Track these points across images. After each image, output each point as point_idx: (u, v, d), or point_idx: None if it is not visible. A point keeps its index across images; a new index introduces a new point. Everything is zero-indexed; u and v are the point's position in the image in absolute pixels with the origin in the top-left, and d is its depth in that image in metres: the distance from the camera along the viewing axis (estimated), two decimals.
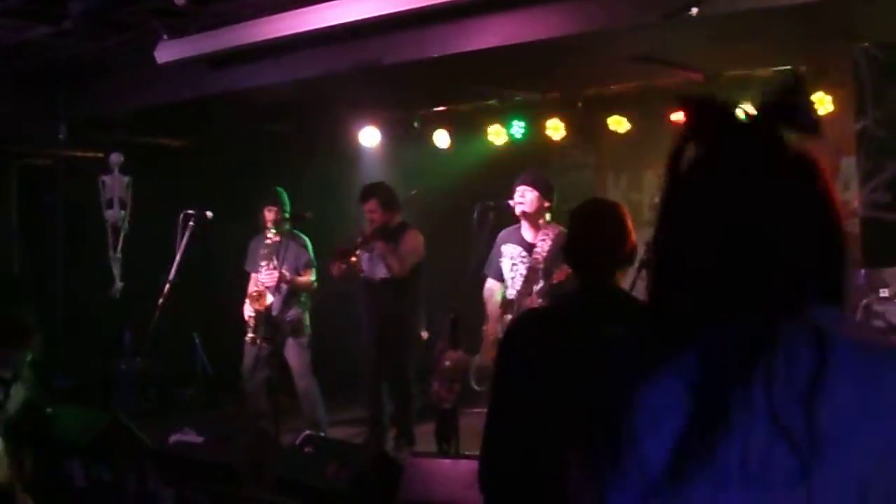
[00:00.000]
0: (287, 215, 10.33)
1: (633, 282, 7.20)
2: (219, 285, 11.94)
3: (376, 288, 9.98)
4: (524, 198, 8.35)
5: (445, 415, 8.48)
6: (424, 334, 10.12)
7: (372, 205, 9.81)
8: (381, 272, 9.88)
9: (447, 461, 6.22)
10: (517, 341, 4.03)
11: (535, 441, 3.68)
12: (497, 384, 4.01)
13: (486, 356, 8.39)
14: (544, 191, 8.46)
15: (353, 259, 9.81)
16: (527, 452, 3.72)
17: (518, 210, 8.39)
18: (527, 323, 4.27)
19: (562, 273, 7.94)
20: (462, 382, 8.45)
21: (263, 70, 10.28)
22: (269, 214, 10.31)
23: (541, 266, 8.19)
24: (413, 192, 10.03)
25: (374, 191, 9.95)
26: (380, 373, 10.06)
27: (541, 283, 8.18)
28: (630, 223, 4.03)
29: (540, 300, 8.08)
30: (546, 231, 8.31)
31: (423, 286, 10.13)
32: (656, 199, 8.06)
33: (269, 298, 10.18)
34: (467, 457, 6.29)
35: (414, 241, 9.94)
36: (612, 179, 13.06)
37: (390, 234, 9.82)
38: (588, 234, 4.00)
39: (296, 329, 10.39)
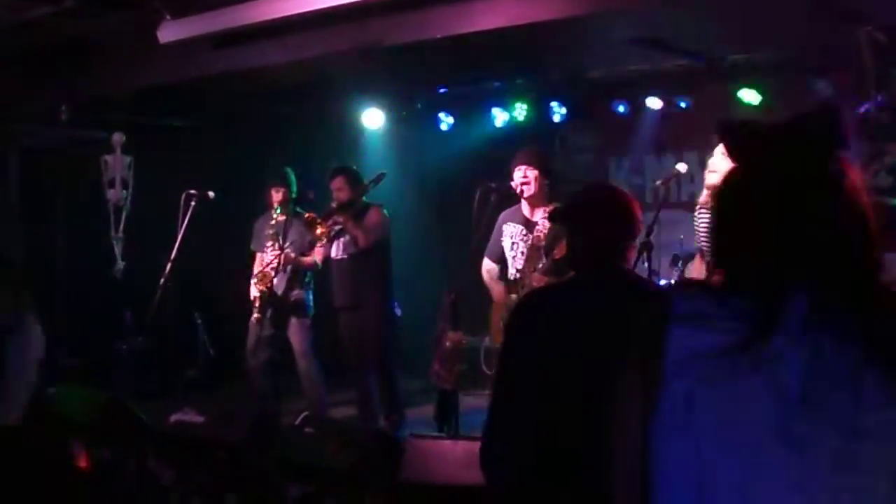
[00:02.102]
0: (294, 196, 10.38)
1: (634, 263, 7.20)
2: (220, 266, 11.94)
3: (343, 266, 10.17)
4: (527, 177, 8.36)
5: (445, 396, 8.47)
6: (398, 311, 10.21)
7: (339, 182, 10.06)
8: (349, 248, 10.08)
9: (447, 442, 6.22)
10: (525, 321, 4.03)
11: (543, 419, 3.69)
12: (503, 363, 4.01)
13: (495, 338, 8.44)
14: (544, 169, 8.47)
15: (322, 230, 9.93)
16: (532, 431, 3.72)
17: (521, 191, 8.39)
18: (533, 303, 4.27)
19: (562, 249, 7.96)
20: (462, 363, 8.45)
21: (266, 50, 10.26)
22: (276, 195, 10.34)
23: (542, 244, 8.20)
24: (383, 173, 10.08)
25: (342, 170, 10.24)
26: (360, 354, 10.14)
27: (543, 261, 8.19)
28: (636, 207, 4.03)
29: (545, 278, 8.08)
30: (547, 208, 8.31)
31: (392, 265, 10.31)
32: (658, 182, 8.05)
33: (274, 279, 10.20)
34: (467, 438, 6.28)
35: (378, 216, 10.12)
36: (614, 163, 13.07)
37: (356, 212, 9.99)
38: (591, 220, 4.00)
39: (299, 309, 10.41)
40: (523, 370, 3.87)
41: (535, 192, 8.38)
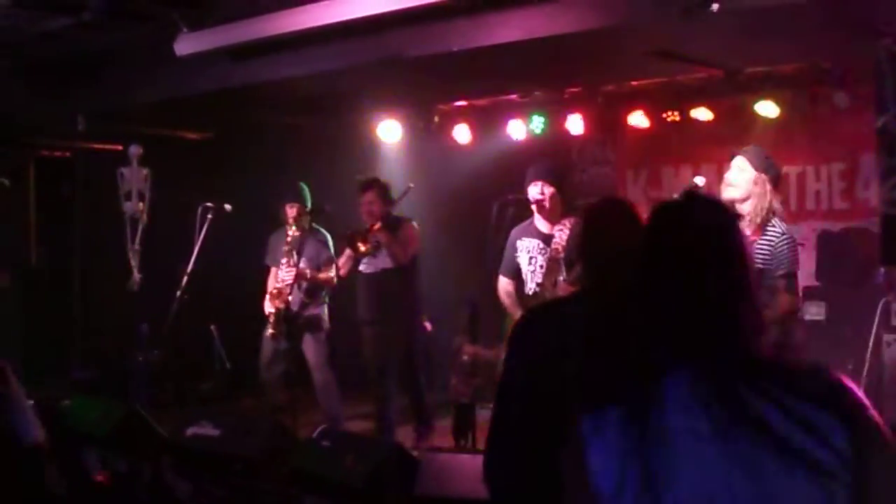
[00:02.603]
0: (309, 210, 10.35)
1: None
2: (236, 278, 11.93)
3: (377, 280, 10.09)
4: (543, 194, 8.35)
5: (463, 409, 8.47)
6: (428, 325, 10.16)
7: (371, 195, 10.00)
8: (381, 263, 10.02)
9: (464, 456, 6.22)
10: (523, 338, 4.02)
11: (536, 436, 3.68)
12: (504, 376, 4.02)
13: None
14: (560, 183, 8.47)
15: (365, 247, 9.86)
16: (528, 447, 3.71)
17: (539, 205, 8.37)
18: (532, 320, 4.26)
19: (567, 240, 7.99)
20: (480, 377, 8.44)
21: (284, 63, 10.25)
22: (291, 211, 10.32)
23: (561, 256, 8.17)
24: (410, 186, 10.04)
25: (374, 183, 10.14)
26: (384, 367, 10.09)
27: (563, 274, 8.17)
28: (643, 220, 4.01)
29: (571, 287, 8.07)
30: (563, 222, 8.30)
31: (423, 279, 10.26)
32: (675, 196, 7.97)
33: (290, 296, 10.18)
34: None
35: (413, 231, 10.13)
36: (632, 176, 13.04)
37: (391, 225, 9.94)
38: (600, 235, 3.98)
39: (314, 325, 10.40)
40: (519, 387, 3.87)
41: (551, 207, 8.37)
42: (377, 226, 9.84)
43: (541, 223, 8.48)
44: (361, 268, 10.15)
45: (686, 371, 2.30)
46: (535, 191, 8.38)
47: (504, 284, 8.70)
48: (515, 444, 3.82)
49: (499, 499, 3.94)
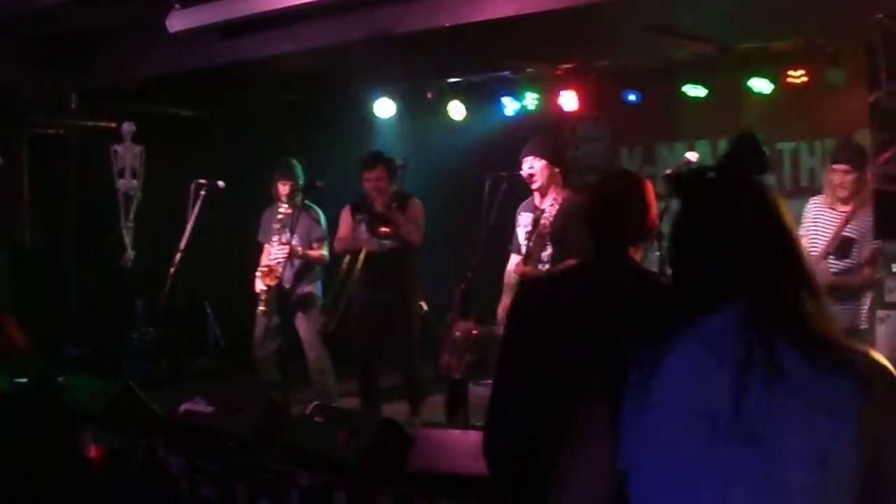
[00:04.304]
0: (300, 187, 10.31)
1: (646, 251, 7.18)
2: (230, 255, 11.93)
3: (380, 260, 9.83)
4: (533, 168, 8.37)
5: (455, 385, 8.48)
6: (424, 306, 10.06)
7: (380, 172, 9.68)
8: (386, 243, 9.79)
9: (456, 432, 6.22)
10: (523, 308, 4.03)
11: (540, 409, 3.68)
12: (502, 350, 4.01)
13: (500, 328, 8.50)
14: (552, 157, 8.48)
15: (386, 229, 9.66)
16: (531, 420, 3.72)
17: (529, 182, 8.39)
18: (534, 291, 4.26)
19: (559, 228, 8.03)
20: (472, 353, 8.45)
21: (276, 39, 10.24)
22: (283, 188, 10.30)
23: (547, 231, 8.20)
24: (405, 159, 9.93)
25: (382, 158, 9.83)
26: (377, 348, 9.96)
27: (549, 249, 8.19)
28: (652, 197, 4.00)
29: (547, 266, 8.11)
30: (555, 196, 8.33)
31: (422, 258, 10.07)
32: (668, 171, 8.04)
33: (282, 273, 10.16)
34: (476, 428, 6.27)
35: (420, 209, 9.90)
36: (626, 152, 13.04)
37: (400, 204, 9.77)
38: (609, 206, 3.97)
39: (307, 302, 10.40)
40: (521, 358, 3.87)
41: (542, 182, 8.39)
42: (392, 206, 9.65)
43: (537, 198, 8.51)
44: (362, 240, 9.87)
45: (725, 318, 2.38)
46: (525, 166, 8.40)
47: (511, 263, 8.73)
48: (515, 418, 3.82)
49: (498, 473, 3.95)
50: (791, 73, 10.74)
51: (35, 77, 12.03)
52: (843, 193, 7.89)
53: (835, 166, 8.05)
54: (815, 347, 2.30)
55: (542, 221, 8.26)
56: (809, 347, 2.29)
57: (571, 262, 7.92)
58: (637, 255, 3.99)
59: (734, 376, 2.27)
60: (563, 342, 3.67)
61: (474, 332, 8.53)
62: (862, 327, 7.89)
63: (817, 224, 8.12)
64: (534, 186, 8.42)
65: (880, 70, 7.79)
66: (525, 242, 8.49)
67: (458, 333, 8.45)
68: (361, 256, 9.79)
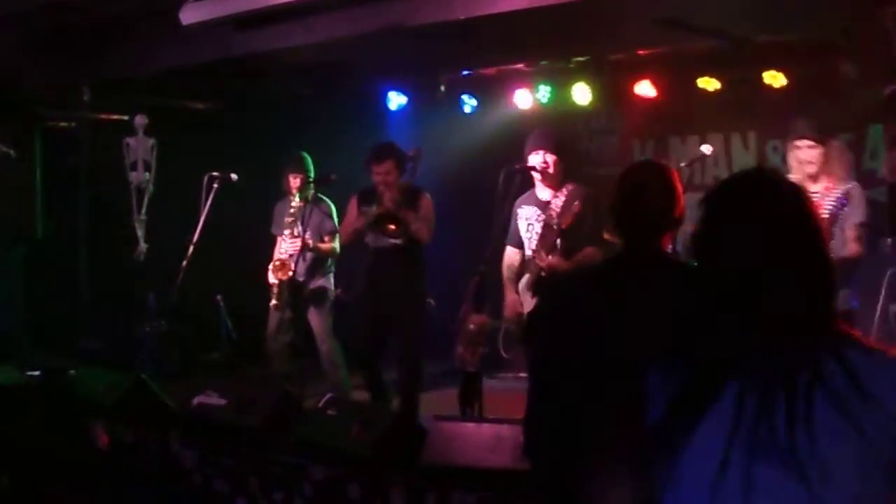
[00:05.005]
0: (311, 180, 10.28)
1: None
2: (243, 248, 11.92)
3: (386, 256, 9.57)
4: (546, 162, 8.37)
5: (469, 378, 8.45)
6: (432, 303, 9.87)
7: (389, 166, 9.40)
8: (392, 239, 9.52)
9: (470, 425, 6.20)
10: (561, 305, 4.01)
11: (582, 404, 3.67)
12: (539, 348, 4.00)
13: (507, 321, 8.48)
14: (561, 152, 8.50)
15: (395, 229, 9.42)
16: (574, 416, 3.70)
17: (543, 173, 8.39)
18: (568, 291, 4.23)
19: (569, 217, 8.01)
20: (486, 346, 8.43)
21: (289, 32, 10.22)
22: (294, 182, 10.27)
23: (555, 222, 8.20)
24: (417, 148, 9.67)
25: (392, 151, 9.55)
26: (382, 343, 9.74)
27: (558, 241, 8.18)
28: (680, 187, 3.98)
29: (552, 259, 8.11)
30: (563, 189, 8.33)
31: (431, 250, 9.84)
32: (682, 165, 8.04)
33: (295, 266, 10.15)
34: (490, 421, 6.26)
35: (430, 205, 9.62)
36: (638, 145, 13.02)
37: (409, 199, 9.52)
38: (636, 197, 3.95)
39: (319, 296, 10.38)
40: (561, 355, 3.85)
41: (556, 176, 8.39)
42: (401, 203, 9.38)
43: (542, 191, 8.52)
44: (368, 240, 9.69)
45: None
46: (537, 159, 8.38)
47: (508, 254, 8.74)
48: (561, 412, 3.80)
49: (542, 469, 3.93)
50: (767, 73, 10.77)
51: (47, 70, 12.02)
52: (811, 169, 7.51)
53: (798, 143, 7.64)
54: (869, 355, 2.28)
55: (550, 213, 8.26)
56: (865, 356, 2.27)
57: (590, 250, 8.03)
58: (667, 245, 3.97)
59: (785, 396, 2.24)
60: (603, 342, 3.66)
61: (488, 325, 8.52)
62: (851, 309, 7.57)
63: None
64: (545, 181, 8.41)
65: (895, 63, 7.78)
66: (528, 236, 8.53)
67: (471, 326, 8.41)
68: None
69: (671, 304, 2.73)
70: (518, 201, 8.70)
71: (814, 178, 7.47)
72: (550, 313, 4.06)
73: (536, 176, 8.48)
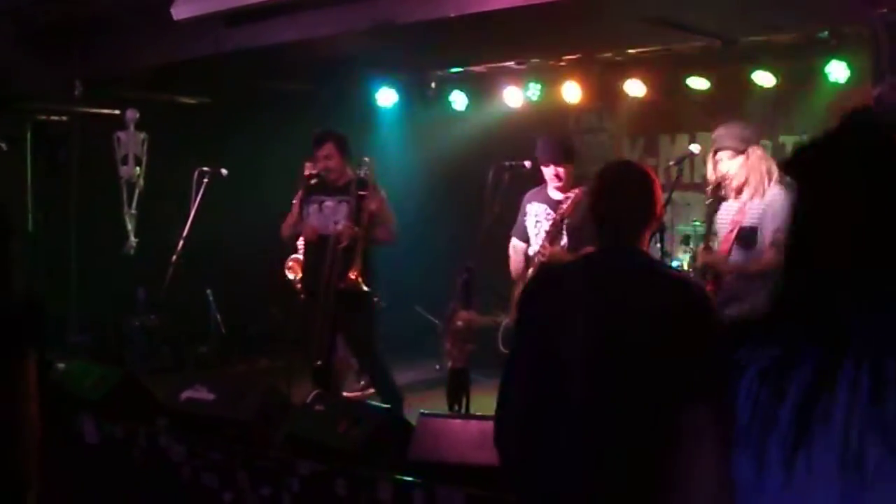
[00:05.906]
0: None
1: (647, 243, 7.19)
2: (233, 243, 11.95)
3: (333, 251, 9.04)
4: (560, 174, 8.38)
5: (457, 375, 8.48)
6: (381, 302, 9.64)
7: (328, 149, 9.07)
8: (339, 226, 9.03)
9: (457, 421, 6.22)
10: (534, 296, 4.05)
11: (549, 395, 3.70)
12: (516, 340, 4.04)
13: (512, 317, 8.52)
14: (572, 160, 8.52)
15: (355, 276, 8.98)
16: (541, 406, 3.74)
17: (555, 185, 8.41)
18: (545, 278, 4.28)
19: (569, 207, 8.04)
20: (473, 343, 8.46)
21: (280, 28, 10.24)
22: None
23: (560, 222, 8.23)
24: (367, 159, 9.22)
25: (330, 135, 9.18)
26: (332, 343, 9.30)
27: (565, 240, 8.21)
28: (657, 186, 4.01)
29: (557, 252, 8.14)
30: (572, 191, 8.36)
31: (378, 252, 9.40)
32: (671, 163, 8.07)
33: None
34: (478, 417, 6.28)
35: (386, 204, 9.22)
36: (628, 144, 13.04)
37: (356, 191, 9.08)
38: (613, 196, 3.98)
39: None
40: (529, 346, 3.89)
41: (565, 181, 8.39)
42: (357, 234, 8.92)
43: (553, 192, 8.50)
44: (314, 225, 9.24)
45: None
46: (550, 172, 8.39)
47: (515, 244, 8.74)
48: (522, 406, 3.83)
49: (510, 463, 3.95)
50: (756, 73, 10.83)
51: (39, 64, 12.01)
52: (735, 181, 7.50)
53: (718, 156, 7.51)
54: None
55: (558, 212, 8.29)
56: None
57: (589, 249, 8.07)
58: (644, 245, 4.00)
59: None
60: (571, 333, 3.70)
61: (476, 321, 8.54)
62: None
63: (722, 219, 7.73)
64: (560, 189, 8.42)
65: (884, 64, 7.79)
66: (535, 232, 8.53)
67: (459, 323, 8.45)
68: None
69: (641, 299, 2.75)
70: (528, 196, 8.70)
71: (738, 189, 7.44)
72: (519, 304, 4.10)
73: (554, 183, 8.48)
